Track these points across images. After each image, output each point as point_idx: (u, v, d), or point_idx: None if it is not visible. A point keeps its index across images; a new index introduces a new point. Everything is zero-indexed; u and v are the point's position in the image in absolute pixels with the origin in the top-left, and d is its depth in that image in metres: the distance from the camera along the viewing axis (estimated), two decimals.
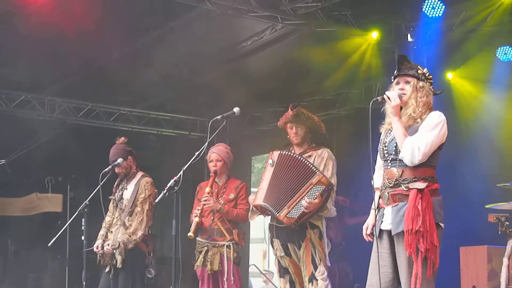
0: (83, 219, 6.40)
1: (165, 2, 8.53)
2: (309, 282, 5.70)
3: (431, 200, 4.23)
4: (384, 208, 4.39)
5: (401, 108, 4.39)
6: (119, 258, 6.42)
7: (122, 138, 6.80)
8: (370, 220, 4.59)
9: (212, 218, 6.41)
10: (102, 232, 6.72)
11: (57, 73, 10.13)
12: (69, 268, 7.26)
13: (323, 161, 5.80)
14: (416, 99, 4.35)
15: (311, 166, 5.55)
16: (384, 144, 4.45)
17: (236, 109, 5.28)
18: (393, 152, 4.35)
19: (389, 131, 4.45)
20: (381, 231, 4.41)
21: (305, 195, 5.51)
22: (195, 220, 6.17)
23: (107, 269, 6.58)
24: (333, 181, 5.74)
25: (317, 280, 5.65)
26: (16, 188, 12.00)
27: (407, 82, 4.41)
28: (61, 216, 11.33)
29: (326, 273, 5.70)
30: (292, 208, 5.55)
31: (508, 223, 6.82)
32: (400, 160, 4.30)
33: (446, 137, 4.40)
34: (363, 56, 9.45)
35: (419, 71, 4.44)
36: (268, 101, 11.77)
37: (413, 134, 4.29)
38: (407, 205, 4.21)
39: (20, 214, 12.18)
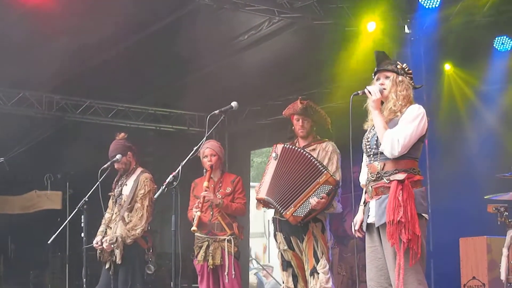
0: (82, 216, 6.40)
1: None
2: (310, 276, 5.69)
3: (412, 191, 4.27)
4: (369, 202, 4.47)
5: (382, 103, 4.49)
6: (118, 254, 6.41)
7: (122, 134, 6.80)
8: (358, 216, 4.68)
9: (211, 213, 6.41)
10: (101, 228, 6.72)
11: (54, 70, 10.10)
12: (69, 265, 7.28)
13: (327, 155, 5.79)
14: (396, 93, 4.45)
15: (318, 164, 5.51)
16: (367, 139, 4.54)
17: (234, 103, 5.27)
18: (375, 146, 4.43)
19: (373, 127, 4.52)
20: (369, 224, 4.48)
21: (311, 195, 5.48)
22: (197, 214, 6.16)
23: (107, 266, 6.57)
24: (338, 175, 5.72)
25: (318, 273, 5.65)
26: (15, 186, 12.00)
27: (387, 77, 4.52)
28: (60, 213, 11.33)
29: (328, 267, 5.69)
30: (299, 207, 5.53)
31: (507, 214, 6.82)
32: (381, 153, 4.37)
33: (427, 130, 4.45)
34: (360, 48, 9.43)
35: (398, 66, 4.55)
36: (266, 94, 11.77)
37: (394, 127, 4.36)
38: (388, 197, 4.28)
39: (19, 212, 12.19)
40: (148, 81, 11.06)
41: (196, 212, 6.19)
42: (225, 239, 6.38)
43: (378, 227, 4.38)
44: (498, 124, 9.09)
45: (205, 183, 6.29)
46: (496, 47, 9.14)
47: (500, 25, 8.85)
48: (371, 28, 9.25)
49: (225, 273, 6.32)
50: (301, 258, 5.79)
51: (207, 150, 6.50)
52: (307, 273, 5.72)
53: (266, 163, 5.96)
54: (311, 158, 5.55)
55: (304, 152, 5.62)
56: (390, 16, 9.36)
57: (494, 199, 6.97)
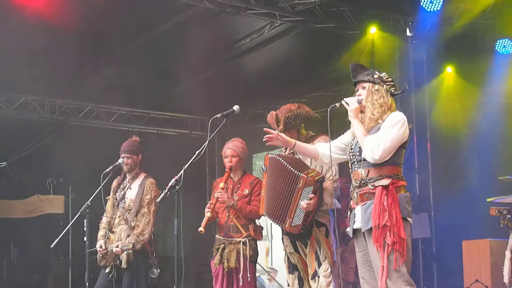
0: (85, 220, 6.40)
1: (164, 1, 8.52)
2: (311, 279, 5.65)
3: (396, 196, 4.38)
4: (355, 208, 4.57)
5: (362, 112, 4.60)
6: (124, 258, 6.41)
7: (137, 138, 6.85)
8: None
9: (227, 214, 6.35)
10: (102, 232, 6.70)
11: (56, 75, 10.12)
12: (72, 269, 7.26)
13: None
14: (372, 101, 4.54)
15: (293, 170, 5.41)
16: (351, 147, 4.63)
17: (236, 107, 5.25)
18: (358, 154, 4.53)
19: (355, 136, 4.61)
20: (356, 230, 4.59)
21: (299, 201, 5.44)
22: (206, 215, 6.10)
23: (107, 270, 6.56)
24: (334, 168, 5.58)
25: (319, 276, 5.61)
26: (17, 190, 12.01)
27: (364, 88, 4.61)
28: (63, 218, 11.34)
29: (329, 270, 5.63)
30: (294, 217, 5.49)
31: (510, 216, 6.80)
32: (365, 160, 4.46)
33: (408, 136, 4.52)
34: (362, 52, 9.45)
35: (375, 76, 4.61)
36: (268, 98, 11.77)
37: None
38: (374, 202, 4.38)
39: (22, 216, 12.19)
40: (150, 85, 11.07)
41: (207, 212, 6.14)
42: (240, 241, 6.34)
43: (364, 232, 4.48)
44: (500, 127, 9.09)
45: (221, 184, 6.23)
46: (498, 49, 9.15)
47: (501, 28, 8.86)
48: (372, 31, 9.27)
49: (240, 276, 6.27)
50: (306, 261, 5.75)
51: (228, 150, 6.43)
52: (310, 277, 5.69)
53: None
54: (287, 165, 5.47)
55: (282, 161, 5.52)
56: (391, 19, 9.37)
57: (497, 202, 6.96)
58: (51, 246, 6.67)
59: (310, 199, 5.35)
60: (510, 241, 6.77)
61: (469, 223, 8.29)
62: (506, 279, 6.78)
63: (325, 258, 5.62)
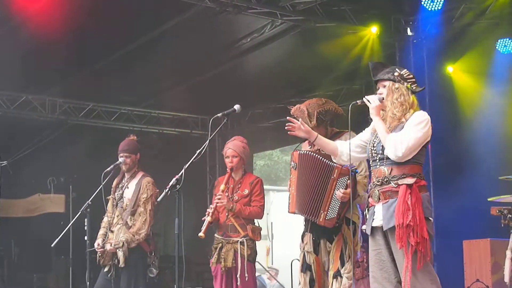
0: (85, 219, 6.41)
1: (164, 0, 8.52)
2: (333, 278, 5.53)
3: (420, 195, 4.37)
4: (375, 206, 4.54)
5: (384, 110, 4.58)
6: (121, 257, 6.42)
7: (135, 137, 6.84)
8: None
9: (226, 214, 6.33)
10: (102, 231, 6.71)
11: (57, 74, 10.12)
12: (73, 268, 7.27)
13: None
14: (392, 100, 4.53)
15: (327, 161, 5.38)
16: (373, 144, 4.60)
17: (236, 106, 5.24)
18: (381, 152, 4.50)
19: (377, 133, 4.59)
20: (373, 228, 4.55)
21: (334, 191, 5.37)
22: (206, 219, 6.08)
23: (106, 269, 6.57)
24: (364, 164, 5.52)
25: (341, 277, 5.52)
26: (18, 189, 12.00)
27: (384, 86, 4.60)
28: (64, 217, 11.34)
29: (352, 272, 5.55)
30: (328, 210, 5.42)
31: (511, 216, 6.80)
32: (387, 158, 4.44)
33: (431, 134, 4.52)
34: (363, 51, 9.44)
35: (395, 74, 4.58)
36: (269, 97, 11.78)
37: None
38: (397, 200, 4.36)
39: (23, 215, 12.20)
40: (151, 84, 11.07)
41: (207, 217, 6.11)
42: (238, 241, 6.32)
43: (384, 231, 4.46)
44: (501, 126, 9.08)
45: (222, 186, 6.21)
46: (499, 49, 9.15)
47: (502, 28, 8.86)
48: (373, 31, 9.26)
49: (238, 276, 6.25)
50: (322, 264, 5.64)
51: (229, 151, 6.41)
52: (330, 274, 5.57)
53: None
54: (320, 157, 5.42)
55: (313, 154, 5.48)
56: (392, 18, 9.37)
57: (498, 202, 6.96)
58: (52, 245, 6.68)
59: (346, 188, 5.28)
60: (511, 240, 6.77)
61: (469, 223, 8.28)
62: (507, 279, 6.77)
63: (349, 258, 5.52)
